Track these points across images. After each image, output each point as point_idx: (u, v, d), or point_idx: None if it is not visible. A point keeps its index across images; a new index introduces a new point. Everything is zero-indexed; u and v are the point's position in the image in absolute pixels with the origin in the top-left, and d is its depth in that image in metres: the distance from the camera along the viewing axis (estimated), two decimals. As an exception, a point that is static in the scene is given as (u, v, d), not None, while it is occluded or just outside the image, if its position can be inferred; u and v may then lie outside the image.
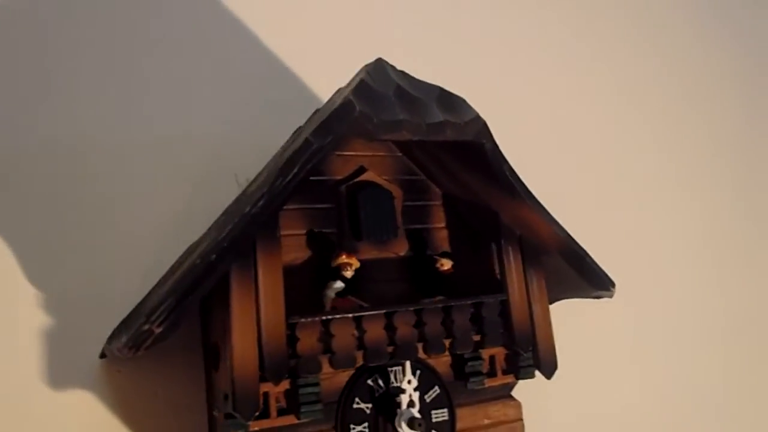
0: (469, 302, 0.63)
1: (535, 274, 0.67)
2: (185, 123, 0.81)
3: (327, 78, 0.89)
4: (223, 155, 0.81)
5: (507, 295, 0.65)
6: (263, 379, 0.54)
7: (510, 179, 0.62)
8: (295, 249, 0.61)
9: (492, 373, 0.67)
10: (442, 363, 0.65)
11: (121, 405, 0.70)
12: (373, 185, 0.65)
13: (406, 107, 0.56)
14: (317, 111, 0.73)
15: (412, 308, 0.60)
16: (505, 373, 0.68)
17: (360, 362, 0.59)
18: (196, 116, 0.82)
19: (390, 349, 0.59)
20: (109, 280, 0.72)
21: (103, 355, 0.69)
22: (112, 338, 0.64)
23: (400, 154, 0.68)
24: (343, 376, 0.61)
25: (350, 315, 0.58)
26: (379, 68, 0.59)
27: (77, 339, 0.69)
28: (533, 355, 0.66)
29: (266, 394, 0.57)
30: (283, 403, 0.58)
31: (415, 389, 0.61)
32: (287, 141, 0.77)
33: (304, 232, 0.63)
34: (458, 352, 0.63)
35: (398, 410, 0.61)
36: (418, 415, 0.60)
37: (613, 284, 0.68)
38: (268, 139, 0.81)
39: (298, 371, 0.55)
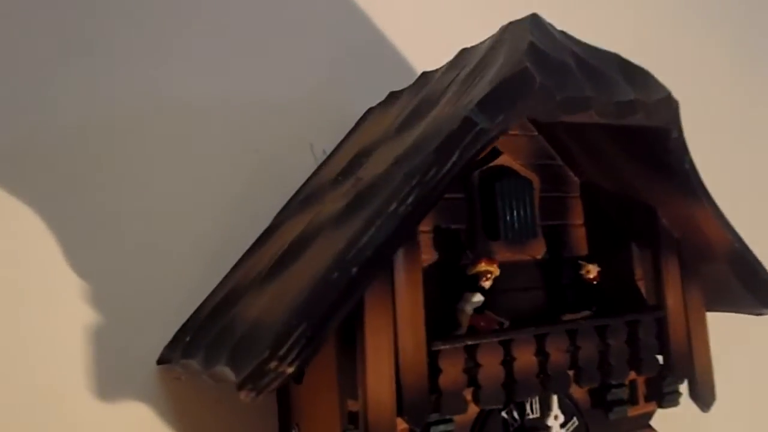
0: (624, 320, 0.52)
1: (693, 285, 0.56)
2: (254, 84, 0.67)
3: (421, 37, 0.77)
4: (297, 122, 0.68)
5: (664, 312, 0.54)
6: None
7: (689, 174, 0.50)
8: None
9: (633, 401, 0.57)
10: (580, 390, 0.55)
11: (182, 413, 0.59)
12: (510, 173, 0.52)
13: (590, 81, 0.43)
14: (425, 73, 0.60)
15: (565, 329, 0.49)
16: (647, 400, 0.57)
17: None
18: (267, 77, 0.68)
19: (539, 379, 0.48)
20: (168, 276, 0.60)
21: (161, 361, 0.58)
22: (180, 349, 0.53)
23: (536, 133, 0.56)
24: (472, 409, 0.50)
25: (497, 339, 0.46)
26: (541, 28, 0.46)
27: (133, 343, 0.58)
28: (690, 384, 0.55)
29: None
30: (412, 445, 0.47)
31: (562, 426, 0.50)
32: (379, 106, 0.65)
33: (429, 228, 0.50)
34: (613, 383, 0.52)
35: (539, 447, 0.50)
36: (563, 457, 0.49)
37: None
38: (350, 104, 0.69)
39: (440, 410, 0.44)
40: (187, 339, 0.53)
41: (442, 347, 0.44)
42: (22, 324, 0.55)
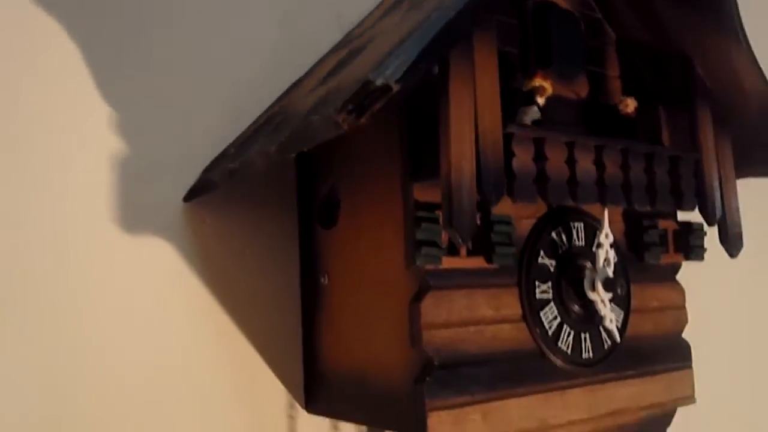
0: (667, 153, 0.53)
1: (724, 138, 0.57)
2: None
3: None
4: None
5: (701, 156, 0.55)
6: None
7: (732, 12, 0.52)
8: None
9: (666, 250, 0.58)
10: (615, 230, 0.55)
11: (205, 259, 0.56)
12: (561, 8, 0.53)
13: None
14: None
15: (619, 147, 0.49)
16: (677, 251, 0.59)
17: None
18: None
19: (597, 186, 0.48)
20: (201, 119, 0.57)
21: (187, 198, 0.55)
22: (228, 158, 0.51)
23: (578, -19, 0.57)
24: (526, 224, 0.50)
25: (562, 138, 0.46)
26: None
27: (161, 181, 0.55)
28: (720, 228, 0.56)
29: (452, 227, 0.45)
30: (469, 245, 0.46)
31: (612, 246, 0.51)
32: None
33: (486, 47, 0.50)
34: (657, 209, 0.52)
35: (586, 271, 0.50)
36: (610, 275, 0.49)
37: None
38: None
39: (513, 194, 0.43)
40: (232, 151, 0.51)
41: (516, 131, 0.43)
42: (51, 157, 0.52)
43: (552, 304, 0.50)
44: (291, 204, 0.60)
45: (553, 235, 0.51)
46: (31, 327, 0.49)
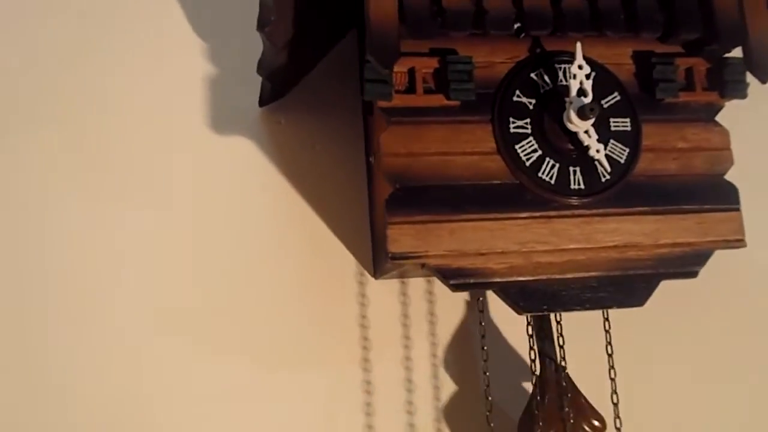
0: (657, -19, 0.52)
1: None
2: None
3: None
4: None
5: (706, -25, 0.53)
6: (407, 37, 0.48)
7: None
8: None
9: (689, 87, 0.56)
10: (623, 70, 0.55)
11: (281, 154, 0.69)
12: None
13: None
14: None
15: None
16: (705, 89, 0.56)
17: (517, 28, 0.51)
18: None
19: (552, 15, 0.50)
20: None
21: (262, 103, 0.68)
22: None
23: None
24: (502, 67, 0.54)
25: (506, -26, 0.50)
26: None
27: (240, 87, 0.69)
28: (745, 51, 0.53)
29: (412, 70, 0.51)
30: (432, 85, 0.52)
31: (587, 76, 0.52)
32: None
33: None
34: (641, 34, 0.52)
35: (566, 104, 0.52)
36: (591, 102, 0.51)
37: None
38: None
39: (444, 26, 0.49)
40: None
41: (445, -28, 0.49)
42: (139, 78, 0.68)
43: (531, 138, 0.52)
44: (357, 103, 0.70)
45: (533, 75, 0.53)
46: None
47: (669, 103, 0.55)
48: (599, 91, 0.54)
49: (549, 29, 0.51)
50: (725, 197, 0.55)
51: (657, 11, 0.52)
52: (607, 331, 0.58)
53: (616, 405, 0.57)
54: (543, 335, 0.58)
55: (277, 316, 0.65)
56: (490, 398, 0.56)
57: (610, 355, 0.58)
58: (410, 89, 0.51)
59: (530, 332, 0.58)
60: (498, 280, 0.51)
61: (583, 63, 0.52)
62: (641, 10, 0.52)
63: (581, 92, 0.51)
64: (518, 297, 0.51)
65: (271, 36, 0.54)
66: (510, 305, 0.51)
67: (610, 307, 0.53)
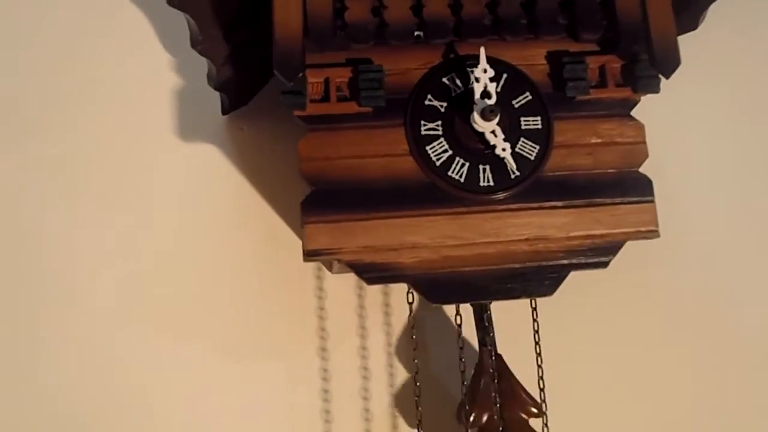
0: (560, -15, 0.55)
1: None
2: None
3: None
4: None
5: (609, -23, 0.55)
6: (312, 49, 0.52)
7: None
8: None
9: (602, 84, 0.58)
10: (537, 70, 0.58)
11: (243, 158, 0.74)
12: None
13: None
14: None
15: (483, -16, 0.54)
16: (619, 85, 0.58)
17: (416, 36, 0.54)
18: None
19: (452, 22, 0.54)
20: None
21: (224, 112, 0.73)
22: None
23: None
24: (417, 73, 0.57)
25: (409, -11, 0.54)
26: None
27: (204, 97, 0.74)
28: (647, 48, 0.55)
29: (327, 80, 0.55)
30: (346, 93, 0.56)
31: (491, 80, 0.55)
32: None
33: None
34: (543, 36, 0.55)
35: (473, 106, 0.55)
36: (493, 104, 0.54)
37: None
38: None
39: (346, 38, 0.52)
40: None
41: (349, -12, 0.53)
42: (112, 89, 0.74)
43: (442, 139, 0.56)
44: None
45: (445, 80, 0.57)
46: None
47: (582, 101, 0.57)
48: (510, 92, 0.57)
49: (449, 37, 0.54)
50: (639, 189, 0.57)
51: (559, 14, 0.54)
52: (535, 320, 0.61)
53: (542, 390, 0.60)
54: (482, 324, 0.61)
55: (240, 309, 0.70)
56: (418, 384, 0.60)
57: (537, 343, 0.61)
58: (325, 98, 0.55)
59: (458, 321, 0.61)
60: (409, 273, 0.54)
61: (487, 67, 0.55)
62: (541, 14, 0.54)
63: (485, 94, 0.54)
64: (429, 289, 0.55)
65: (206, 53, 0.59)
66: (422, 296, 0.55)
67: (519, 298, 0.56)
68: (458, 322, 0.61)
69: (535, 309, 0.61)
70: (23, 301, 0.68)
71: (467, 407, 0.57)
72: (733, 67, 0.78)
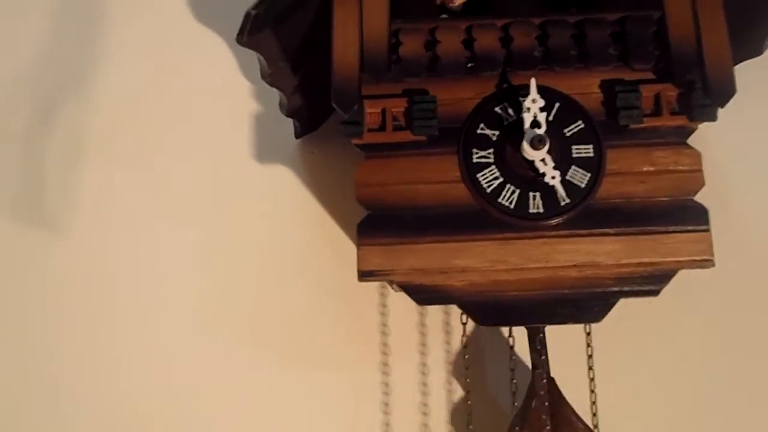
0: (610, 18, 0.56)
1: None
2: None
3: None
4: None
5: (663, 9, 0.55)
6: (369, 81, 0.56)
7: None
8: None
9: (657, 112, 0.58)
10: (591, 99, 0.59)
11: (313, 179, 0.78)
12: None
13: None
14: None
15: (532, 19, 0.56)
16: (674, 114, 0.58)
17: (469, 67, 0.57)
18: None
19: (502, 57, 0.56)
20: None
21: (296, 136, 0.78)
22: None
23: None
24: (471, 102, 0.59)
25: (460, 23, 0.56)
26: None
27: (279, 123, 0.79)
28: (701, 77, 0.55)
29: (384, 111, 0.59)
30: (402, 122, 0.59)
31: (542, 110, 0.56)
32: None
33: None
34: (594, 68, 0.56)
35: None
36: (541, 134, 0.55)
37: None
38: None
39: (400, 72, 0.56)
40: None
41: (403, 26, 0.56)
42: (194, 115, 0.81)
43: (493, 167, 0.58)
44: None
45: (497, 109, 0.59)
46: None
47: (636, 129, 0.58)
48: (562, 121, 0.58)
49: (499, 69, 0.56)
50: (694, 218, 0.57)
51: (610, 45, 0.55)
52: (588, 345, 0.61)
53: (594, 415, 0.60)
54: (535, 347, 0.62)
55: (307, 323, 0.74)
56: (469, 402, 0.62)
57: (590, 368, 0.61)
58: (382, 127, 0.58)
59: (511, 343, 0.62)
60: (458, 295, 0.57)
61: (537, 97, 0.56)
62: (592, 45, 0.55)
63: (535, 124, 0.56)
64: (477, 311, 0.57)
65: (276, 84, 0.64)
66: (471, 318, 0.57)
67: (566, 323, 0.57)
68: (511, 343, 0.63)
69: (589, 334, 0.62)
70: (104, 312, 0.75)
71: (517, 428, 0.58)
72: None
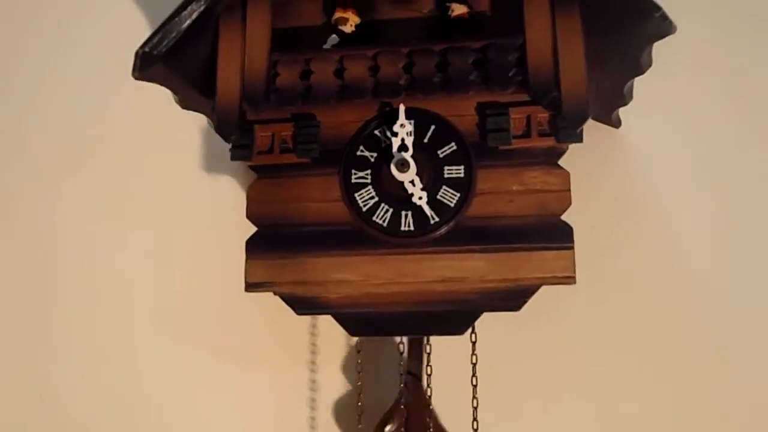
0: (474, 46, 0.58)
1: (565, 13, 0.57)
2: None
3: None
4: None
5: (524, 37, 0.58)
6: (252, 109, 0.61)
7: None
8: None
9: (527, 134, 0.60)
10: (467, 121, 0.62)
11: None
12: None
13: None
14: None
15: (400, 48, 0.59)
16: (543, 135, 0.60)
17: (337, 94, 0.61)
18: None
19: (370, 85, 0.59)
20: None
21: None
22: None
23: None
24: (352, 126, 0.63)
25: (333, 54, 0.60)
26: None
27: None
28: (555, 102, 0.57)
29: (273, 135, 0.63)
30: (290, 145, 0.63)
31: (417, 132, 0.60)
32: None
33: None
34: (452, 93, 0.59)
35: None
36: (406, 157, 0.59)
37: (658, 8, 0.53)
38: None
39: (276, 102, 0.60)
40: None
41: (281, 58, 0.60)
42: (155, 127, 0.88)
43: (369, 187, 0.61)
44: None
45: (377, 132, 0.62)
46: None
47: (508, 150, 0.60)
48: (437, 143, 0.61)
49: (367, 97, 0.60)
50: (558, 236, 0.59)
51: (471, 72, 0.58)
52: (473, 353, 0.65)
53: (475, 420, 0.64)
54: (416, 353, 0.67)
55: (245, 324, 0.81)
56: (360, 404, 0.67)
57: (474, 375, 0.65)
58: (270, 150, 0.63)
59: (401, 350, 0.67)
60: (334, 306, 0.61)
61: (405, 122, 0.60)
62: (454, 73, 0.58)
63: (402, 147, 0.59)
64: (349, 322, 0.61)
65: (190, 107, 0.70)
66: (343, 328, 0.62)
67: (431, 335, 0.61)
68: (401, 350, 0.67)
69: (474, 342, 0.65)
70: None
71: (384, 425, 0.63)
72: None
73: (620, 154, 0.77)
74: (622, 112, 0.73)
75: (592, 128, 0.68)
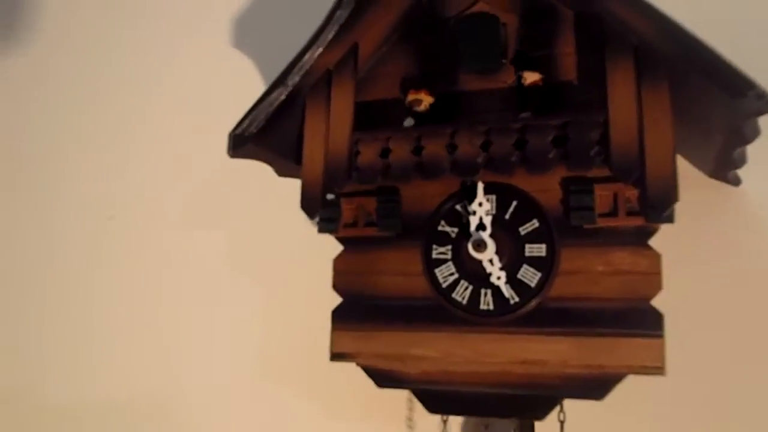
0: (553, 123, 0.56)
1: (652, 88, 0.53)
2: None
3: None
4: None
5: (607, 114, 0.54)
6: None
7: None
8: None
9: (614, 213, 0.57)
10: (551, 197, 0.60)
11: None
12: (479, 14, 0.63)
13: None
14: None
15: (477, 126, 0.58)
16: (631, 214, 0.57)
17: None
18: None
19: (448, 164, 0.59)
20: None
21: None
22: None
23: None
24: (434, 201, 0.63)
25: (413, 132, 0.60)
26: None
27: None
28: (640, 182, 0.53)
29: (359, 207, 0.65)
30: (374, 218, 0.64)
31: (488, 213, 0.59)
32: None
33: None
34: (532, 172, 0.57)
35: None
36: (484, 237, 0.58)
37: (752, 86, 0.48)
38: None
39: (357, 180, 0.61)
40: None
41: (361, 136, 0.61)
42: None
43: (450, 263, 0.61)
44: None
45: (458, 207, 0.62)
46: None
47: (593, 228, 0.57)
48: (518, 220, 0.60)
49: (444, 175, 0.59)
50: (647, 323, 0.55)
51: (551, 150, 0.56)
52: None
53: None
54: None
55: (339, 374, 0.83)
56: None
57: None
58: (355, 223, 0.65)
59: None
60: (412, 382, 0.62)
61: (484, 200, 0.59)
62: (531, 152, 0.56)
63: (480, 227, 0.58)
64: (427, 398, 0.61)
65: (286, 175, 0.72)
66: (423, 405, 0.62)
67: (510, 417, 0.59)
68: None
69: (563, 423, 0.63)
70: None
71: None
72: None
73: (738, 213, 0.70)
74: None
75: (706, 185, 0.64)
